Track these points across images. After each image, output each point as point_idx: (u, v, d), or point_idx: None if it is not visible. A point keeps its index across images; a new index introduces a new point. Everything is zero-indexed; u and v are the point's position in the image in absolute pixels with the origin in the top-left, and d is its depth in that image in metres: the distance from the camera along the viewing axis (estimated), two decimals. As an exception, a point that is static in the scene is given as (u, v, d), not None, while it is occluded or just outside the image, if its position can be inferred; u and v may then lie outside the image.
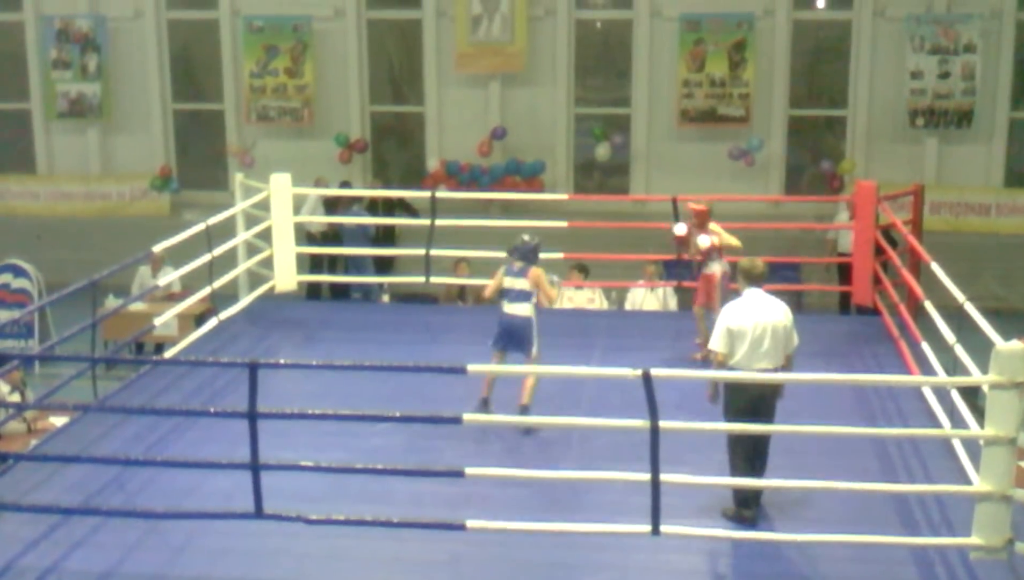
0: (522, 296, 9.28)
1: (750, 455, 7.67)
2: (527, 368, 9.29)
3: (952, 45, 17.20)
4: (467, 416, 7.35)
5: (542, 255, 9.68)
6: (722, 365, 7.72)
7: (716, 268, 10.60)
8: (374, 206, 17.47)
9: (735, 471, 7.66)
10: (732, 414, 7.61)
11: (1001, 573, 6.91)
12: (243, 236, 12.50)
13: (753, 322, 7.66)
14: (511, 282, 9.33)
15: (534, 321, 9.28)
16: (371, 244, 16.59)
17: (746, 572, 7.26)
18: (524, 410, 9.01)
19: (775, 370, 7.68)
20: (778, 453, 7.77)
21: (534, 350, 9.29)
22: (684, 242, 10.93)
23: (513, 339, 9.29)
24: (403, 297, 15.80)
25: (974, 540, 6.86)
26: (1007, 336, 7.04)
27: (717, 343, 7.74)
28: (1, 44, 19.90)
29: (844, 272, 14.53)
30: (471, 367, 7.32)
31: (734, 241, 10.67)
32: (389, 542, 7.36)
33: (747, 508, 7.65)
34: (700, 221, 10.71)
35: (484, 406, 9.14)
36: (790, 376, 7.70)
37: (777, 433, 7.66)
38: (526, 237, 9.52)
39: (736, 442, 7.67)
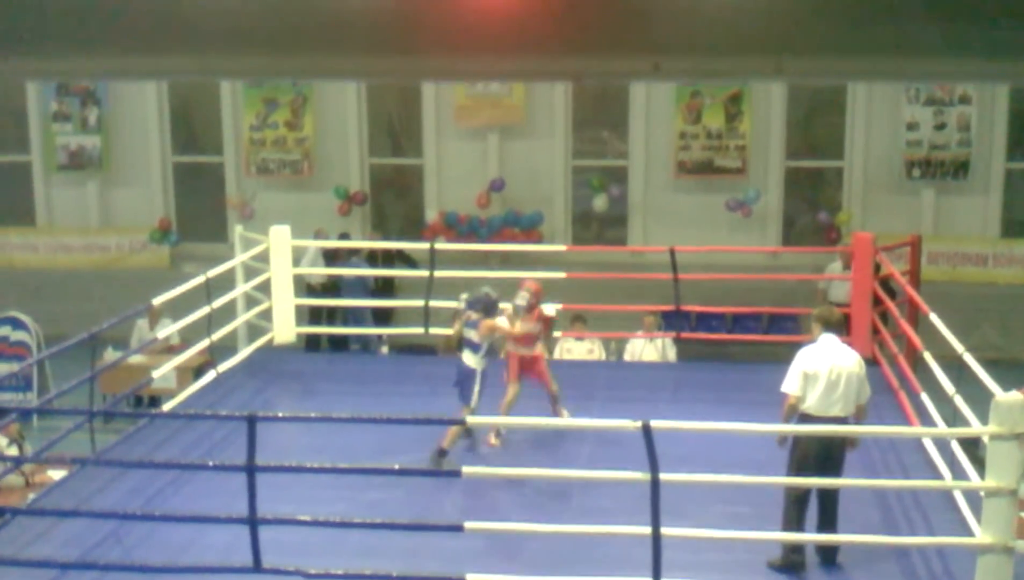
0: (470, 346, 9.63)
1: (819, 510, 7.65)
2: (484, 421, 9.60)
3: (947, 96, 17.31)
4: (466, 469, 7.33)
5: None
6: (794, 408, 7.69)
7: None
8: (373, 258, 17.52)
9: (787, 523, 7.62)
10: (800, 461, 7.57)
11: (1004, 626, 6.86)
12: (242, 288, 12.52)
13: (829, 366, 7.63)
14: (467, 333, 9.69)
15: (478, 373, 9.57)
16: (370, 295, 16.61)
17: (748, 626, 7.22)
18: (441, 453, 9.17)
19: (846, 419, 7.68)
20: (779, 505, 7.73)
21: (472, 402, 9.53)
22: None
23: (459, 386, 9.64)
24: (402, 348, 15.79)
25: (977, 593, 6.83)
26: (1007, 387, 7.05)
27: (790, 385, 7.69)
28: (1, 97, 20.01)
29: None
30: (470, 419, 7.31)
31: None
32: (388, 596, 7.31)
33: (797, 553, 7.61)
34: (535, 301, 10.15)
35: (441, 456, 9.22)
36: (792, 428, 7.68)
37: (775, 485, 7.65)
38: (487, 290, 9.82)
39: (794, 499, 7.61)
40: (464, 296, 10.03)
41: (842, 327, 8.12)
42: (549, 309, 10.22)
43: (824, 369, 7.65)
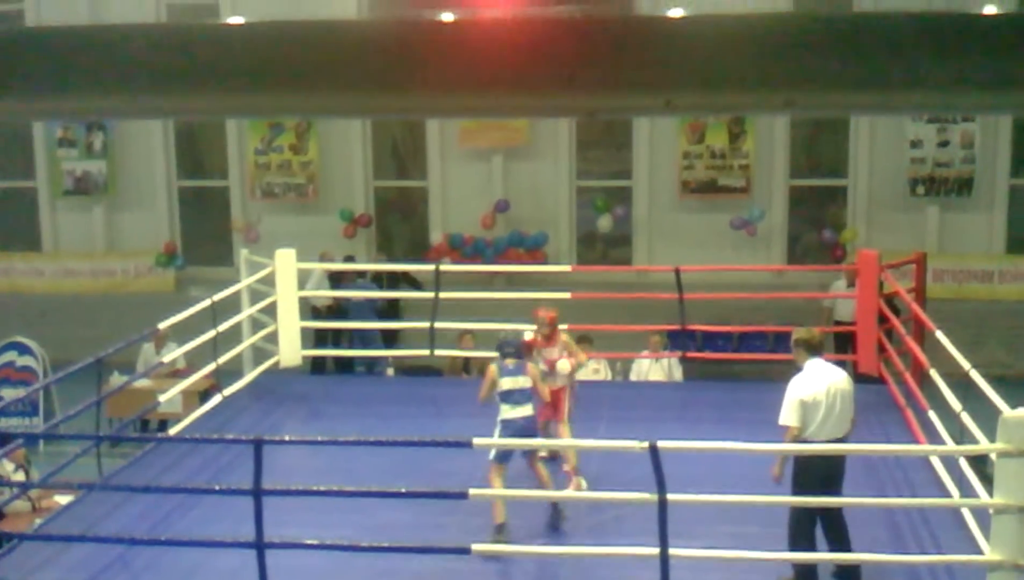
0: (526, 396, 8.65)
1: (827, 529, 7.66)
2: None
3: (950, 114, 17.30)
4: (473, 491, 7.32)
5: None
6: (796, 439, 7.62)
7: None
8: (379, 280, 17.54)
9: (796, 542, 7.60)
10: (805, 484, 7.55)
11: (1015, 644, 6.83)
12: (248, 312, 12.54)
13: (825, 390, 7.62)
14: (512, 382, 8.63)
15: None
16: (376, 318, 16.62)
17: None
18: (557, 509, 8.57)
19: (845, 437, 7.70)
20: (785, 524, 7.72)
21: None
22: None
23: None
24: (408, 370, 15.80)
25: (986, 611, 6.80)
26: (1013, 404, 7.03)
27: (790, 417, 7.60)
28: (7, 123, 20.07)
29: (840, 340, 14.52)
30: (476, 441, 7.31)
31: (582, 356, 10.05)
32: (396, 619, 7.30)
33: (810, 576, 7.58)
34: (552, 330, 9.72)
35: (500, 532, 8.25)
36: (797, 447, 7.67)
37: (785, 505, 7.64)
38: (512, 331, 9.26)
39: (804, 518, 7.62)
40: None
41: (824, 347, 8.04)
42: (564, 365, 9.59)
43: (822, 394, 7.61)
